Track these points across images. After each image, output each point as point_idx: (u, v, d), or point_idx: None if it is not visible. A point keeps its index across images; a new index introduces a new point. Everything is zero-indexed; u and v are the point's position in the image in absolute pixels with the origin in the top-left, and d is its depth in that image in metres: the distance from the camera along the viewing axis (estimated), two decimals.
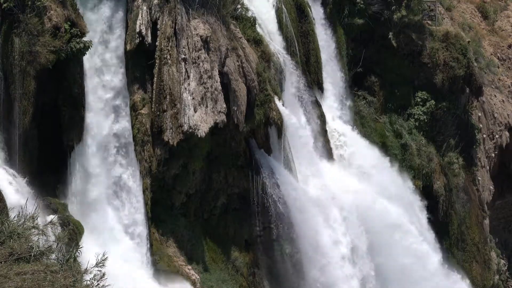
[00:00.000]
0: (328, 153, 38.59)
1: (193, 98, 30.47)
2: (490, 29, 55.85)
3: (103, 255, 13.74)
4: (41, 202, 25.76)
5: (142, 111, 30.14)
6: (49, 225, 15.40)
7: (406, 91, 44.63)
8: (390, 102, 44.37)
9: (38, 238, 14.69)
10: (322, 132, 38.23)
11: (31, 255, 13.89)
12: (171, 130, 30.10)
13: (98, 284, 13.60)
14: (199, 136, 30.44)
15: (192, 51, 30.85)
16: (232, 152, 33.40)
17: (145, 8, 30.11)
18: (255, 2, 36.76)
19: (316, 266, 34.78)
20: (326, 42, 41.23)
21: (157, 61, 30.24)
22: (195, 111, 30.44)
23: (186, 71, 30.67)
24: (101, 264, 13.64)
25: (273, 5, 37.42)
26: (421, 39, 44.62)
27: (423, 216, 42.18)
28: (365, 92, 43.75)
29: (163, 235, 31.28)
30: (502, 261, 50.98)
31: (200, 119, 30.48)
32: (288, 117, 34.98)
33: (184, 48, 30.64)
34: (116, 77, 29.62)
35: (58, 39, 26.83)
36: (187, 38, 30.78)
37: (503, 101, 52.17)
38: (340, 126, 40.66)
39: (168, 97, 30.16)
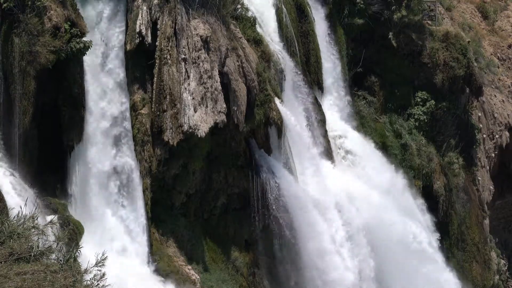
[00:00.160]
0: (328, 153, 38.58)
1: (193, 98, 30.47)
2: (490, 29, 55.86)
3: (103, 255, 13.74)
4: (41, 202, 25.77)
5: (142, 111, 30.15)
6: (49, 225, 15.38)
7: (406, 91, 44.63)
8: (390, 102, 44.38)
9: (38, 238, 14.69)
10: (322, 132, 38.23)
11: (31, 255, 13.89)
12: (171, 130, 30.10)
13: (98, 284, 13.60)
14: (199, 136, 30.44)
15: (192, 51, 30.85)
16: (232, 152, 33.40)
17: (145, 8, 30.11)
18: (255, 2, 36.76)
19: (316, 266, 34.79)
20: (326, 42, 41.23)
21: (157, 61, 30.24)
22: (195, 111, 30.44)
23: (186, 71, 30.67)
24: (101, 264, 13.65)
25: (273, 5, 37.41)
26: (421, 39, 44.63)
27: (423, 215, 42.18)
28: (365, 92, 43.76)
29: (163, 235, 31.28)
30: (502, 261, 50.99)
31: (200, 119, 30.49)
32: (288, 117, 34.98)
33: (184, 48, 30.64)
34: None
35: (58, 39, 26.84)
36: (187, 38, 30.79)
37: (503, 101, 52.18)
38: (340, 126, 40.66)
39: (168, 97, 30.16)
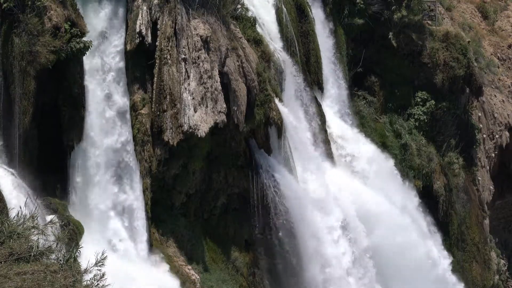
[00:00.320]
0: (328, 153, 38.59)
1: (193, 98, 30.47)
2: (490, 29, 55.87)
3: (102, 254, 13.74)
4: (41, 202, 25.76)
5: (142, 111, 30.15)
6: (49, 225, 15.39)
7: (406, 91, 44.65)
8: (390, 102, 44.39)
9: (38, 238, 14.69)
10: (322, 132, 38.23)
11: (31, 255, 13.89)
12: (171, 130, 30.10)
13: (98, 284, 13.60)
14: (199, 136, 30.43)
15: (192, 51, 30.85)
16: (232, 152, 33.40)
17: (145, 8, 30.11)
18: (255, 2, 36.76)
19: (316, 266, 34.79)
20: (326, 42, 41.23)
21: (157, 61, 30.24)
22: (195, 111, 30.44)
23: (186, 71, 30.67)
24: (100, 264, 13.64)
25: (273, 5, 37.41)
26: (421, 39, 44.64)
27: (421, 213, 42.20)
28: (365, 92, 43.77)
29: (163, 235, 31.28)
30: (502, 261, 51.00)
31: (200, 119, 30.49)
32: (288, 117, 34.98)
33: (184, 48, 30.65)
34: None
35: (58, 39, 26.83)
36: (187, 38, 30.79)
37: (503, 101, 52.19)
38: (340, 126, 40.66)
39: (168, 97, 30.16)
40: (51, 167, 27.62)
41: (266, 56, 35.05)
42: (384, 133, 43.16)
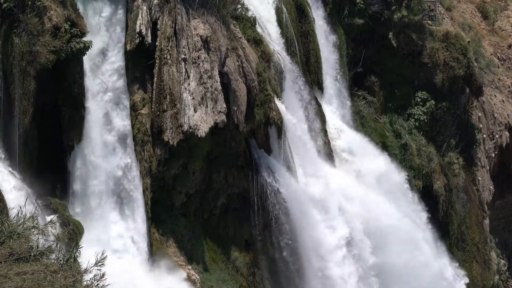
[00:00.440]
0: (328, 153, 38.58)
1: (193, 98, 30.47)
2: (490, 29, 55.86)
3: (102, 254, 13.74)
4: (41, 202, 25.77)
5: (142, 111, 30.14)
6: (49, 225, 15.39)
7: (406, 91, 44.64)
8: (390, 102, 44.39)
9: (38, 238, 14.68)
10: (322, 132, 38.23)
11: (31, 255, 13.89)
12: (171, 130, 30.10)
13: (98, 284, 13.60)
14: (199, 136, 30.43)
15: (192, 51, 30.85)
16: (232, 152, 33.39)
17: (145, 8, 30.11)
18: (255, 2, 36.76)
19: (316, 266, 34.78)
20: (326, 42, 41.23)
21: (157, 61, 30.23)
22: (195, 111, 30.44)
23: (186, 71, 30.67)
24: (100, 264, 13.64)
25: (273, 5, 37.41)
26: (421, 39, 44.64)
27: (420, 212, 42.16)
28: (365, 92, 43.76)
29: (163, 235, 31.28)
30: (502, 261, 50.99)
31: (200, 119, 30.48)
32: (288, 117, 34.97)
33: (184, 48, 30.64)
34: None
35: (58, 39, 26.84)
36: (187, 38, 30.79)
37: (503, 101, 52.19)
38: (340, 126, 40.65)
39: (168, 97, 30.16)
40: (51, 167, 27.63)
41: (266, 56, 35.04)
42: (384, 133, 43.17)
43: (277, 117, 33.83)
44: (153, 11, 30.33)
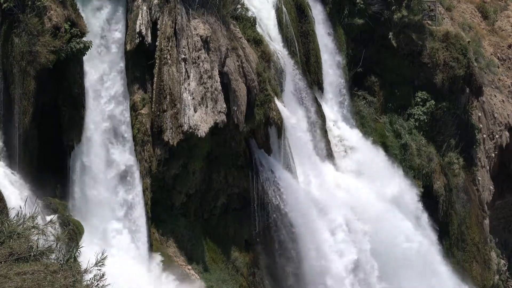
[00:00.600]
0: (328, 153, 38.58)
1: (193, 98, 30.48)
2: (490, 29, 55.85)
3: (102, 254, 13.73)
4: (41, 202, 25.76)
5: (142, 111, 30.15)
6: (49, 225, 15.38)
7: (406, 91, 44.63)
8: (390, 102, 44.38)
9: (38, 238, 14.68)
10: (322, 132, 38.23)
11: (31, 255, 13.89)
12: (171, 130, 30.10)
13: (98, 284, 13.59)
14: (199, 136, 30.44)
15: (192, 51, 30.86)
16: (232, 152, 33.40)
17: (145, 8, 30.11)
18: (255, 2, 36.76)
19: (316, 266, 34.78)
20: (326, 42, 41.22)
21: (157, 61, 30.24)
22: (195, 111, 30.45)
23: (186, 71, 30.67)
24: (100, 264, 13.64)
25: (273, 5, 37.41)
26: (421, 39, 44.63)
27: (421, 213, 42.15)
28: (365, 92, 43.75)
29: (163, 235, 31.28)
30: (502, 261, 50.98)
31: (200, 119, 30.49)
32: (288, 117, 34.98)
33: (184, 48, 30.65)
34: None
35: (58, 39, 26.84)
36: (187, 38, 30.79)
37: (503, 101, 52.18)
38: (340, 126, 40.65)
39: (168, 97, 30.17)
40: (51, 167, 27.63)
41: (266, 56, 35.05)
42: (384, 133, 43.16)
43: (277, 117, 33.84)
44: (153, 11, 30.34)
